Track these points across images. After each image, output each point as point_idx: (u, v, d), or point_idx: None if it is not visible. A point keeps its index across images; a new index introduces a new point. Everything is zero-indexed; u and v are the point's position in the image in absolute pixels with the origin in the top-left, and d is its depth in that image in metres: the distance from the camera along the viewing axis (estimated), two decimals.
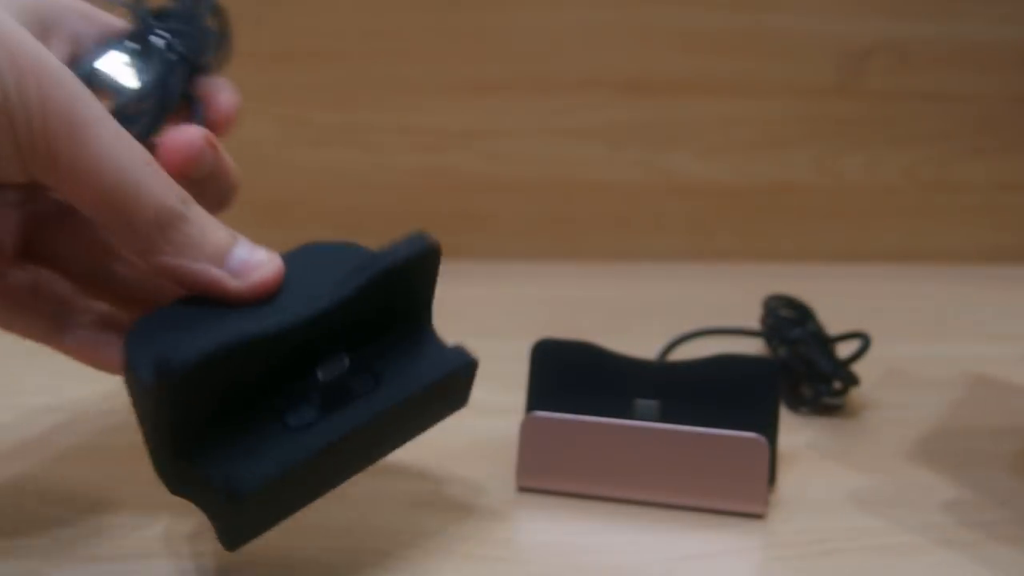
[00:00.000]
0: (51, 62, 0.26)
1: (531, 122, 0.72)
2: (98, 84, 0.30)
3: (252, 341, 0.26)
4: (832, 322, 0.49)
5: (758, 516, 0.34)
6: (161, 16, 0.32)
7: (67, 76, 0.27)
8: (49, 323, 0.32)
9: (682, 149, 0.73)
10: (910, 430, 0.42)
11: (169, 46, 0.31)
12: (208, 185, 0.31)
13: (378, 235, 0.30)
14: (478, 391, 0.44)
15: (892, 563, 0.32)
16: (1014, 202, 0.74)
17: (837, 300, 0.53)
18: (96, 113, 0.27)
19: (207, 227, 0.28)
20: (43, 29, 0.30)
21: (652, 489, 0.35)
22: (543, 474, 0.35)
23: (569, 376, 0.37)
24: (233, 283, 0.28)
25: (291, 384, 0.28)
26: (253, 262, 0.28)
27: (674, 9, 0.70)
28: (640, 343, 0.41)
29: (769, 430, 0.35)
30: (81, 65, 0.31)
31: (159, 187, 0.27)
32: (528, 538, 0.33)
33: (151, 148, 0.29)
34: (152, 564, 0.31)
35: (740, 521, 0.34)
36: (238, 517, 0.27)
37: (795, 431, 0.42)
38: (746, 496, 0.34)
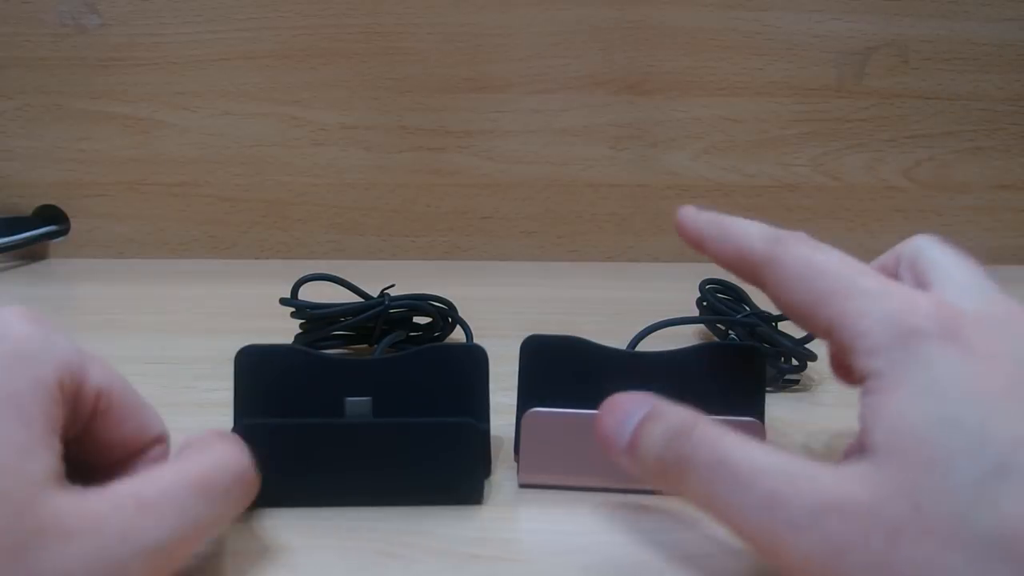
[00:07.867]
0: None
1: (531, 122, 0.72)
2: None
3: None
4: None
5: None
6: None
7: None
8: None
9: (682, 149, 0.73)
10: None
11: None
12: None
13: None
14: None
15: None
16: (1014, 202, 0.74)
17: None
18: None
19: None
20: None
21: None
22: (545, 470, 0.35)
23: (559, 372, 0.36)
24: None
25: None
26: None
27: (674, 9, 0.70)
28: (640, 343, 0.41)
29: (758, 413, 0.36)
30: None
31: None
32: (528, 538, 0.33)
33: None
34: None
35: None
36: (260, 465, 0.30)
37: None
38: None
